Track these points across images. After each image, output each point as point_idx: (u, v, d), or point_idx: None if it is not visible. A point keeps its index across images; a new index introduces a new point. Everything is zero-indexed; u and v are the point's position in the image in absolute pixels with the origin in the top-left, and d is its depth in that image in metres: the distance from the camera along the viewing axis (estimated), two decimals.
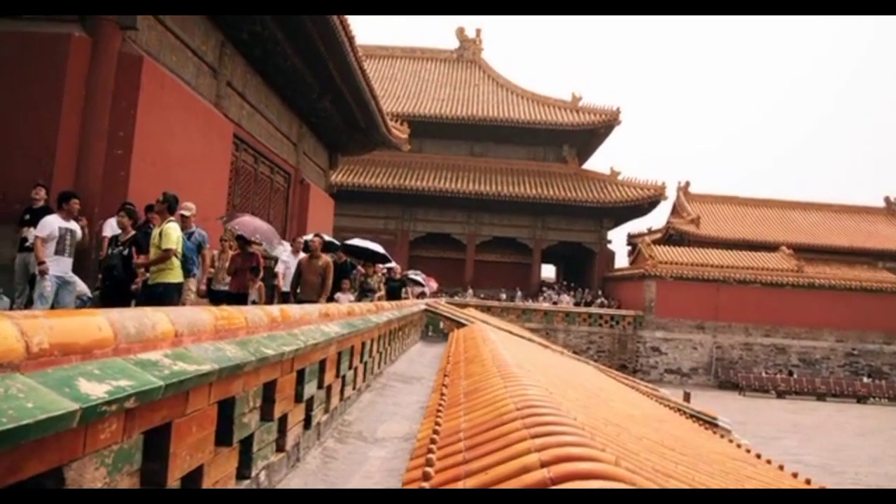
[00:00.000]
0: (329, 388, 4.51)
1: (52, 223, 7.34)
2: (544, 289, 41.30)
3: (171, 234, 7.12)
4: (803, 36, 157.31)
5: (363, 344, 5.92)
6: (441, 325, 17.02)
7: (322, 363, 4.19)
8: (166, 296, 6.88)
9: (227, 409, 2.54)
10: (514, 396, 3.88)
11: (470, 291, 37.58)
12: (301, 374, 3.64)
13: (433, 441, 3.42)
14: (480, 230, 41.68)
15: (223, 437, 2.52)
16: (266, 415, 3.08)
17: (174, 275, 7.14)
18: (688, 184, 49.41)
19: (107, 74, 9.88)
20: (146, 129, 10.31)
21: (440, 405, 4.73)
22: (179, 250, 7.20)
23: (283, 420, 3.35)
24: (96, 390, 1.57)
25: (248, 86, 15.95)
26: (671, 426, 6.58)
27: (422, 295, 24.30)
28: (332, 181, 29.18)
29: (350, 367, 5.33)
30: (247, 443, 2.83)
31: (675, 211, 48.13)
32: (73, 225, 7.46)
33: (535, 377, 5.17)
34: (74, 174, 9.61)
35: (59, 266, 7.21)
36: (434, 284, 30.76)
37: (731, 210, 47.91)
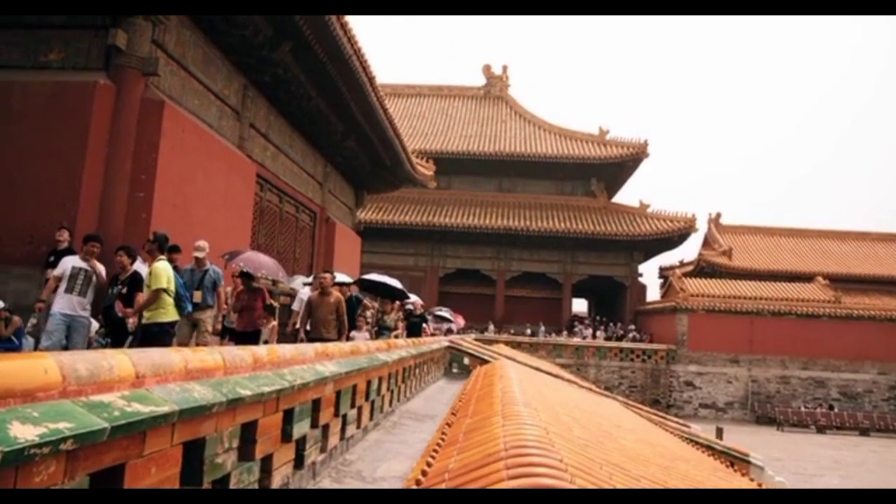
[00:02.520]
0: (326, 428, 4.49)
1: (67, 262, 7.50)
2: (575, 323, 40.90)
3: (161, 273, 7.17)
4: (820, 59, 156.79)
5: (369, 382, 5.90)
6: (466, 361, 16.91)
7: (316, 402, 4.18)
8: (161, 335, 6.93)
9: (195, 450, 2.55)
10: (508, 436, 3.83)
11: (491, 327, 37.27)
12: (289, 413, 3.64)
13: (418, 482, 3.39)
14: (510, 265, 41.54)
15: (191, 477, 2.53)
16: (246, 455, 3.08)
17: (168, 314, 7.19)
18: (719, 215, 48.87)
19: (129, 119, 10.16)
20: (168, 171, 10.55)
21: (438, 444, 4.68)
22: (172, 288, 7.26)
23: (266, 460, 3.34)
24: (28, 433, 1.59)
25: (271, 127, 16.25)
26: (686, 466, 6.41)
27: (449, 331, 24.25)
28: (360, 219, 29.46)
29: (353, 406, 5.31)
30: (222, 483, 2.83)
31: (707, 243, 47.54)
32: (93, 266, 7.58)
33: (540, 416, 5.09)
34: (98, 217, 9.85)
35: (66, 304, 7.30)
36: (461, 321, 30.66)
37: (763, 241, 47.19)
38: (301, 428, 3.87)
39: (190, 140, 11.40)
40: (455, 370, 15.61)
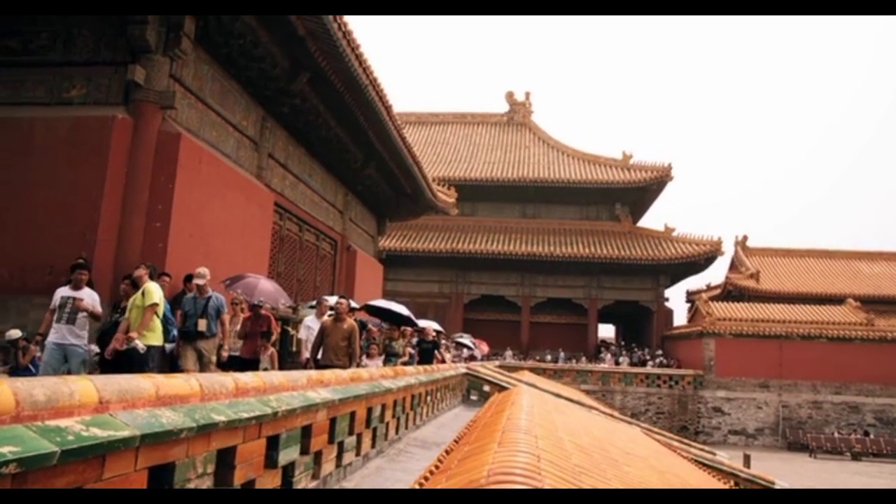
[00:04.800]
0: (319, 454, 4.51)
1: (58, 293, 7.64)
2: (601, 349, 40.54)
3: (154, 290, 7.24)
4: (834, 83, 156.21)
5: (370, 409, 5.91)
6: (487, 388, 16.82)
7: (306, 429, 4.20)
8: (146, 357, 6.93)
9: (163, 475, 2.59)
10: (496, 463, 3.80)
11: (509, 353, 36.99)
12: (273, 440, 3.66)
13: None
14: (535, 292, 41.36)
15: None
16: (223, 480, 3.11)
17: (155, 336, 7.23)
18: (745, 237, 48.29)
19: (147, 152, 10.39)
20: (184, 202, 10.74)
21: (430, 471, 4.66)
22: (160, 311, 7.33)
23: (248, 485, 3.36)
24: None
25: (290, 156, 16.49)
26: None
27: (472, 358, 24.16)
28: (383, 246, 29.66)
29: (351, 433, 5.32)
30: None
31: (734, 266, 46.95)
32: (81, 294, 7.64)
33: (538, 443, 5.04)
34: (115, 246, 10.05)
35: (57, 334, 7.42)
36: (485, 348, 30.50)
37: (792, 263, 46.47)
38: (288, 454, 3.89)
39: (207, 171, 11.61)
40: (474, 397, 15.53)
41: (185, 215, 10.79)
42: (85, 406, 2.22)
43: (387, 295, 29.98)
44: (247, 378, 3.61)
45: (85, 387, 2.26)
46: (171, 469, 2.63)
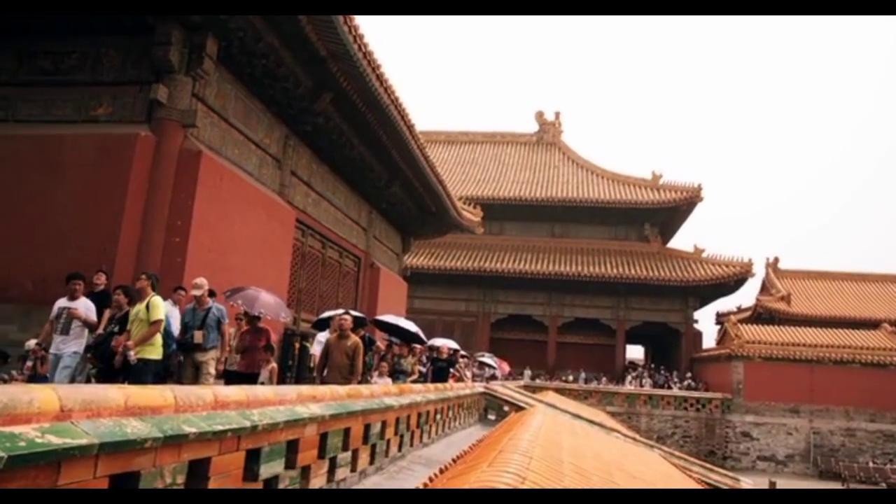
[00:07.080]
0: (306, 469, 4.55)
1: (56, 304, 7.82)
2: (629, 370, 40.09)
3: (160, 305, 7.32)
4: (850, 101, 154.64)
5: (367, 426, 5.94)
6: (506, 408, 16.73)
7: (292, 443, 4.24)
8: (143, 372, 7.01)
9: (126, 483, 2.64)
10: (477, 483, 3.84)
11: (527, 373, 36.63)
12: (254, 453, 3.71)
13: None
14: (562, 311, 41.11)
15: None
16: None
17: (155, 350, 7.32)
18: (777, 259, 47.53)
19: (168, 168, 10.64)
20: (203, 218, 10.95)
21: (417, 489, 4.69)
22: (163, 325, 7.43)
23: None
24: None
25: (313, 174, 16.70)
26: None
27: (492, 378, 24.07)
28: (410, 264, 29.77)
29: (345, 449, 5.36)
30: None
31: (765, 288, 46.19)
32: (77, 304, 7.78)
33: (532, 464, 5.04)
34: (135, 260, 10.27)
35: (54, 344, 7.64)
36: (506, 368, 30.39)
37: (824, 286, 45.57)
38: (271, 468, 3.93)
39: (227, 188, 11.82)
40: (491, 417, 15.45)
41: (204, 231, 10.99)
42: (45, 414, 2.28)
43: (413, 312, 30.02)
44: (228, 391, 3.67)
45: (46, 395, 2.33)
46: (135, 478, 2.68)
